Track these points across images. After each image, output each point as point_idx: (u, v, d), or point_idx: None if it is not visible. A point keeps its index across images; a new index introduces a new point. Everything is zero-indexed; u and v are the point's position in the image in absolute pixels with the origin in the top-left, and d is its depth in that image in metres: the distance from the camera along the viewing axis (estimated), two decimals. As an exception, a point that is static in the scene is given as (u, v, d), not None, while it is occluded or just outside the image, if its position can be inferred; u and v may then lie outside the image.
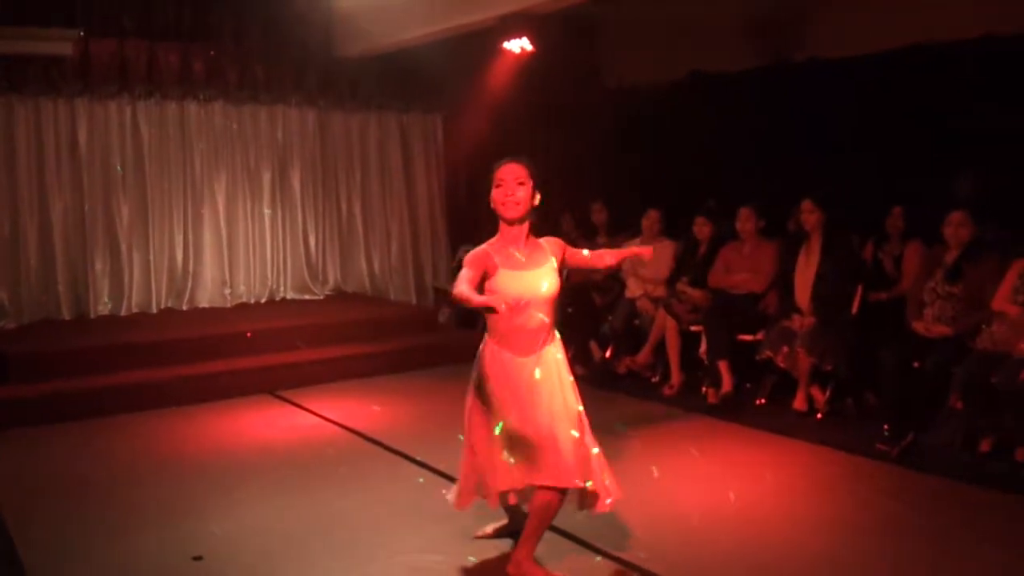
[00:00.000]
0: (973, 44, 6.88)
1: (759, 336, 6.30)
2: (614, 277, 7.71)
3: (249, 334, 7.47)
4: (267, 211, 9.14)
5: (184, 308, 8.71)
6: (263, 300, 9.15)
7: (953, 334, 5.37)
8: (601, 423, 5.96)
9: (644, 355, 7.13)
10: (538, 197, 3.80)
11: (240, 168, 9.02)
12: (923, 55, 7.24)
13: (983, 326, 5.25)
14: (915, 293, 5.69)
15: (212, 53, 8.66)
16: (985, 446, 5.14)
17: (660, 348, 7.03)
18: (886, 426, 5.41)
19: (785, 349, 6.02)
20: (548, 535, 3.93)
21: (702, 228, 7.04)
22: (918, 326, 5.52)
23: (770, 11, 8.23)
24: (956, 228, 5.51)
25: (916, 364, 5.37)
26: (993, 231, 6.10)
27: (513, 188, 3.73)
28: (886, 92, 7.46)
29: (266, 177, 9.15)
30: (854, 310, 6.12)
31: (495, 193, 3.75)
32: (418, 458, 5.36)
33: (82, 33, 7.86)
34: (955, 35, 6.98)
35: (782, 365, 6.10)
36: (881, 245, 6.56)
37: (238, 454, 5.59)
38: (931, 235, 5.84)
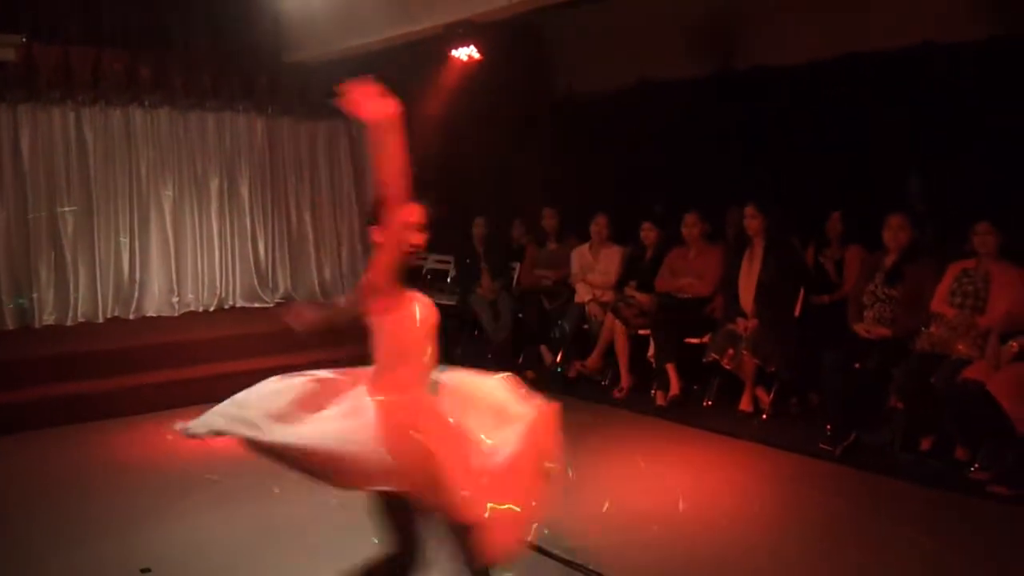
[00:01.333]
0: (912, 50, 7.07)
1: (705, 339, 6.41)
2: (563, 283, 7.79)
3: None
4: (215, 219, 9.05)
5: (131, 317, 8.59)
6: (212, 308, 9.05)
7: (893, 336, 5.51)
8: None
9: (594, 359, 7.20)
10: None
11: (187, 175, 8.93)
12: (861, 62, 7.42)
13: (922, 328, 5.39)
14: (855, 296, 5.83)
15: (158, 59, 8.55)
16: (925, 445, 5.29)
17: (609, 352, 7.11)
18: (828, 426, 5.54)
19: (730, 351, 6.13)
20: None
21: (648, 233, 7.14)
22: (858, 328, 5.66)
23: (715, 20, 8.37)
24: (895, 232, 5.65)
25: (857, 365, 5.50)
26: (931, 234, 6.29)
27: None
28: (825, 99, 7.63)
29: (214, 184, 9.06)
30: (797, 313, 6.26)
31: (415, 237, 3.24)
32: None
33: (24, 39, 7.72)
34: (893, 43, 7.17)
35: (728, 367, 6.21)
36: (822, 249, 6.71)
37: (186, 464, 5.51)
38: (871, 239, 5.99)
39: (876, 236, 5.83)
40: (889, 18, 7.17)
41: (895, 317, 5.57)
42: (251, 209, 9.29)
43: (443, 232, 8.52)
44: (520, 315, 7.93)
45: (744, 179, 7.49)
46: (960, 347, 5.13)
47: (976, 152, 6.72)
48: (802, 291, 6.29)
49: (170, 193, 8.81)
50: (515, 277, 8.40)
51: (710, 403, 6.49)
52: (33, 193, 8.13)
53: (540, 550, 4.09)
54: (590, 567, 3.91)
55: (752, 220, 6.27)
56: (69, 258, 8.29)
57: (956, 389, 4.89)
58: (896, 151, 7.17)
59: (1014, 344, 4.83)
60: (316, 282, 9.74)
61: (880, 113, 7.33)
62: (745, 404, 6.23)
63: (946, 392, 4.96)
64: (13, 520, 4.63)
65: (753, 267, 6.28)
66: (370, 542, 4.22)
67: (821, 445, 5.44)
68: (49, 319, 8.21)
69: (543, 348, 7.69)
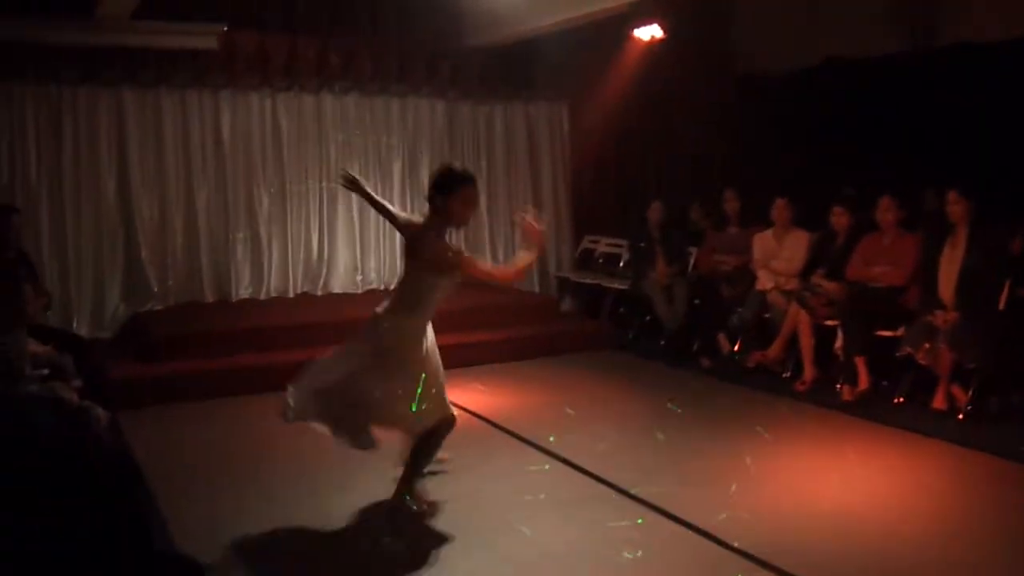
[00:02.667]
0: None
1: (899, 332, 6.06)
2: (744, 269, 7.56)
3: None
4: (396, 201, 9.32)
5: (319, 293, 9.01)
6: (392, 286, 9.34)
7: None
8: (731, 419, 5.95)
9: (775, 349, 6.95)
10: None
11: (372, 158, 9.25)
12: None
13: None
14: (1072, 289, 5.37)
15: (347, 46, 8.88)
16: None
17: (792, 343, 6.85)
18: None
19: (927, 345, 5.76)
20: (686, 533, 4.04)
21: (840, 218, 6.80)
22: (1073, 323, 5.21)
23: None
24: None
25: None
26: None
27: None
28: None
29: (396, 167, 9.35)
30: (1001, 305, 5.81)
31: (465, 211, 4.27)
32: (543, 445, 5.40)
33: (226, 28, 8.19)
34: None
35: (923, 362, 5.85)
36: (1033, 238, 6.20)
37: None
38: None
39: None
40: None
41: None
42: (430, 192, 9.52)
43: (615, 215, 8.55)
44: (696, 301, 7.76)
45: (943, 162, 7.02)
46: None
47: None
48: (1008, 282, 5.83)
49: (356, 175, 9.13)
50: (692, 262, 8.22)
51: (901, 400, 6.13)
52: (232, 173, 8.63)
53: (720, 542, 4.00)
54: (772, 563, 3.77)
55: (955, 206, 5.86)
56: (264, 236, 8.77)
57: None
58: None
59: None
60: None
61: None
62: (939, 402, 5.85)
63: None
64: (209, 482, 4.94)
65: (955, 255, 5.87)
66: (547, 521, 4.28)
67: (1025, 449, 5.05)
68: (245, 293, 8.73)
69: (720, 336, 7.50)
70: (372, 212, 9.11)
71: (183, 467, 5.19)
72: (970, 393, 5.81)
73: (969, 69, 7.46)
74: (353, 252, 9.20)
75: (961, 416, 5.76)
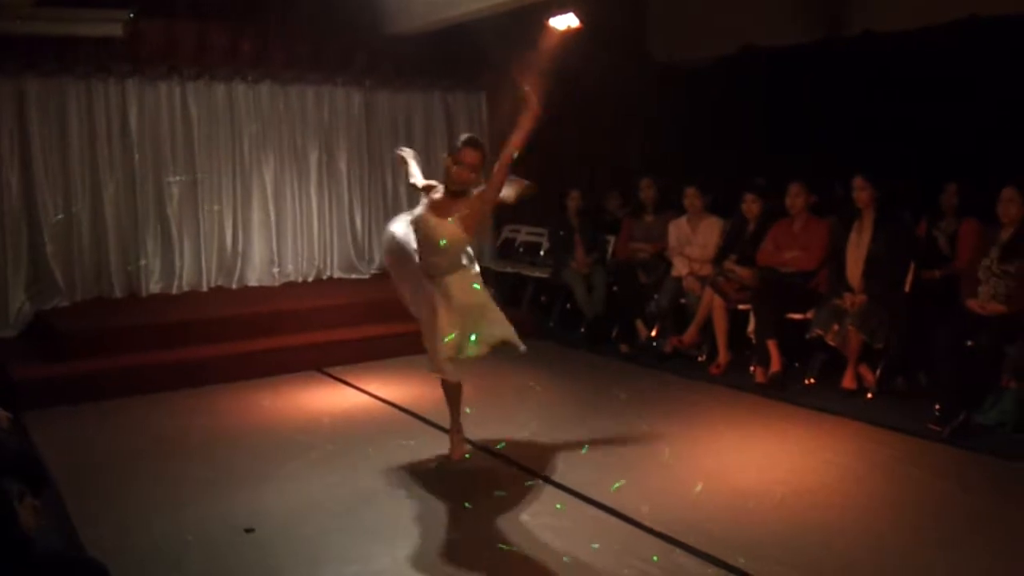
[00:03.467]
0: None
1: (809, 315, 6.22)
2: (660, 256, 7.67)
3: None
4: (313, 192, 9.20)
5: (233, 287, 8.81)
6: (310, 279, 9.22)
7: (1008, 313, 5.25)
8: (648, 403, 6.04)
9: (691, 334, 7.08)
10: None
11: (287, 148, 9.07)
12: (977, 28, 7.06)
13: (1040, 305, 5.13)
14: (969, 271, 5.57)
15: (259, 33, 8.68)
16: (1041, 428, 5.04)
17: (707, 327, 6.97)
18: (937, 406, 5.33)
19: (835, 327, 5.93)
20: (596, 512, 4.02)
21: (751, 205, 6.95)
22: (972, 304, 5.41)
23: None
24: (1006, 205, 5.38)
25: (969, 343, 5.26)
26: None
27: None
28: (939, 66, 7.29)
29: (313, 157, 9.19)
30: (907, 288, 6.02)
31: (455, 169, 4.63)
32: (464, 434, 5.38)
33: (132, 15, 7.93)
34: (1010, 7, 6.80)
35: (832, 343, 6.02)
36: (936, 222, 6.43)
37: (287, 430, 5.65)
38: (989, 212, 5.71)
39: (993, 211, 5.55)
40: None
41: (1010, 293, 5.31)
42: (348, 182, 9.40)
43: (536, 204, 8.57)
44: (615, 288, 7.84)
45: (853, 149, 7.22)
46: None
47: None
48: (913, 265, 6.04)
49: (271, 166, 8.98)
50: (610, 250, 8.30)
51: (812, 381, 6.31)
52: (140, 166, 8.36)
53: (636, 524, 4.05)
54: (686, 543, 3.84)
55: (861, 192, 6.04)
56: (175, 229, 8.53)
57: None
58: (1015, 119, 6.82)
59: None
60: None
61: (996, 80, 6.97)
62: (848, 382, 6.03)
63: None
64: (119, 483, 4.79)
65: (862, 240, 6.05)
66: (460, 507, 4.28)
67: (929, 425, 5.24)
68: (156, 288, 8.48)
69: (638, 322, 7.59)
70: (288, 202, 9.06)
71: (92, 468, 5.02)
72: (877, 373, 6.00)
73: (875, 58, 7.69)
74: (269, 244, 9.01)
75: (869, 395, 5.95)
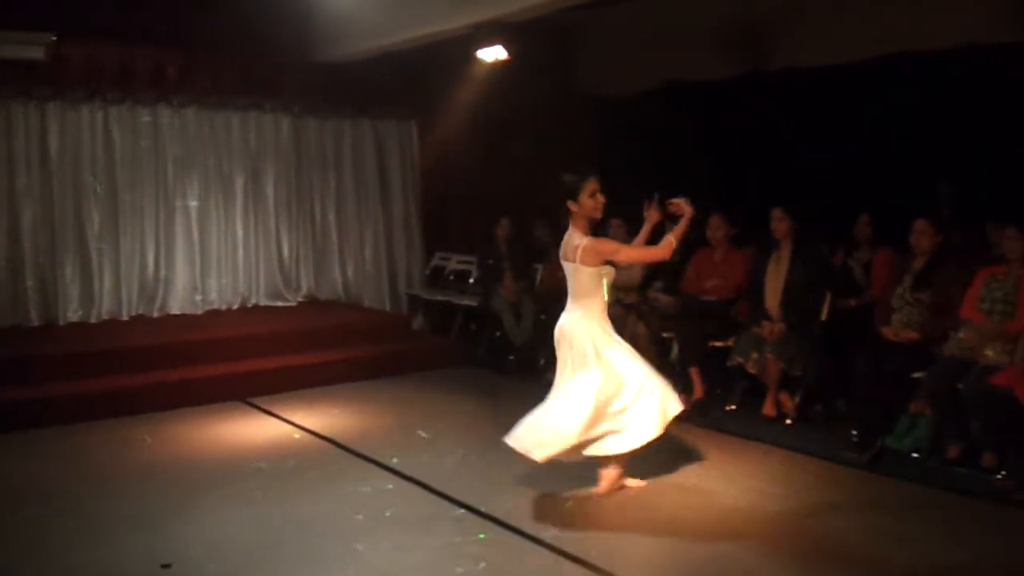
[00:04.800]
0: (945, 53, 6.98)
1: (730, 342, 6.34)
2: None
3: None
4: (239, 218, 9.08)
5: (155, 315, 8.64)
6: (235, 307, 9.08)
7: (920, 340, 5.43)
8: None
9: (617, 362, 7.14)
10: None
11: (213, 174, 8.96)
12: (893, 65, 7.34)
13: (950, 333, 5.32)
14: (883, 300, 5.76)
15: (185, 58, 8.59)
16: (953, 453, 5.19)
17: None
18: (855, 432, 5.47)
19: (755, 355, 6.06)
20: (526, 544, 4.06)
21: None
22: (886, 332, 5.59)
23: (745, 21, 8.31)
24: (919, 236, 5.59)
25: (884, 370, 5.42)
26: (959, 240, 6.20)
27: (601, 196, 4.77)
28: (859, 101, 7.55)
29: (239, 183, 9.10)
30: (823, 317, 6.18)
31: (591, 202, 4.77)
32: (388, 464, 5.35)
33: (54, 38, 7.78)
34: (926, 45, 7.08)
35: (752, 371, 6.14)
36: (851, 253, 6.63)
37: (208, 462, 5.54)
38: (902, 243, 5.90)
39: (907, 240, 5.75)
40: (922, 20, 7.10)
41: (923, 321, 5.50)
42: (276, 208, 9.32)
43: (465, 233, 8.63)
44: (543, 316, 7.89)
45: (772, 182, 7.42)
46: (988, 353, 5.06)
47: (1007, 156, 6.64)
48: (829, 295, 6.21)
49: (196, 191, 8.86)
50: (539, 278, 8.36)
51: (734, 407, 6.42)
52: (60, 191, 8.18)
53: (559, 552, 4.07)
54: (610, 571, 3.87)
55: (780, 223, 6.20)
56: (94, 256, 8.35)
57: (984, 395, 4.80)
58: (928, 154, 7.09)
59: (1045, 350, 4.74)
60: (340, 282, 9.75)
61: (912, 115, 7.25)
62: (768, 409, 6.15)
63: (974, 398, 4.88)
64: (35, 516, 4.64)
65: (780, 270, 6.21)
66: (389, 541, 4.25)
67: (848, 452, 5.37)
68: (74, 316, 8.27)
69: (565, 350, 7.63)
70: (213, 228, 8.92)
71: (4, 502, 4.85)
72: (796, 400, 6.14)
73: (796, 93, 7.93)
74: (192, 271, 8.87)
75: (789, 422, 6.07)
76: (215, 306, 8.98)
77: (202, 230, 8.90)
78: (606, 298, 4.86)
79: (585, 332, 4.72)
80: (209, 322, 8.47)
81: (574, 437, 4.47)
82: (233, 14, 8.60)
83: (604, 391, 4.53)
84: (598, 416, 4.50)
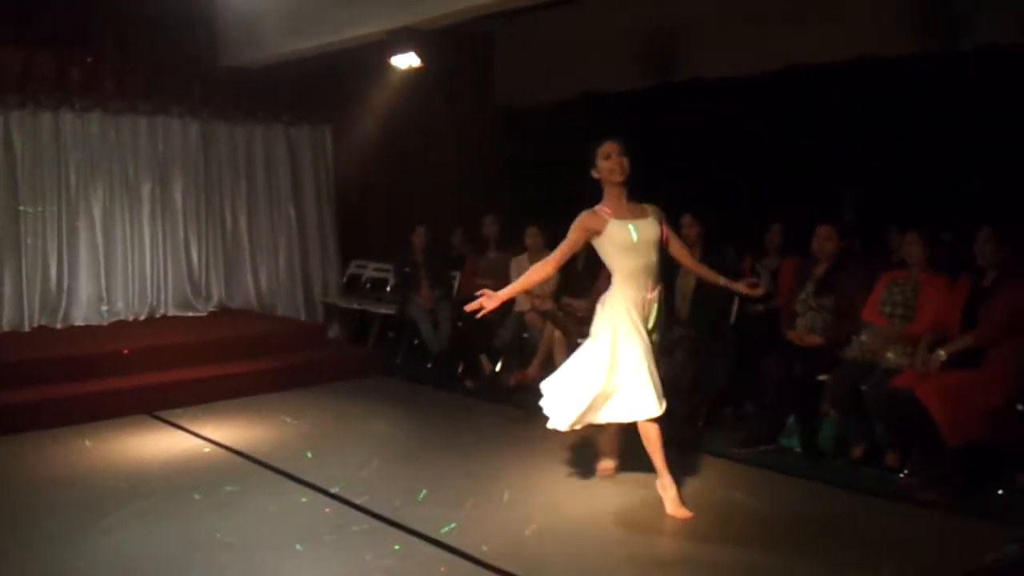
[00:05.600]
0: (848, 65, 7.24)
1: (643, 347, 6.41)
2: (503, 291, 7.76)
3: (126, 351, 7.18)
4: (146, 226, 8.83)
5: (58, 326, 8.34)
6: (142, 317, 8.82)
7: (824, 344, 5.59)
8: (490, 438, 6.08)
9: (534, 368, 7.16)
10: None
11: (119, 180, 8.69)
12: (799, 76, 7.57)
13: (852, 336, 5.49)
14: (788, 305, 5.92)
15: (89, 60, 8.33)
16: (857, 452, 5.36)
17: (549, 361, 7.08)
18: (760, 434, 5.61)
19: (666, 359, 6.15)
20: (443, 555, 4.00)
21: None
22: (792, 336, 5.74)
23: (656, 33, 8.47)
24: (823, 242, 5.75)
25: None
26: (862, 245, 6.42)
27: (619, 159, 4.63)
28: (769, 113, 7.76)
29: (146, 190, 8.84)
30: (732, 320, 6.31)
31: (606, 164, 4.66)
32: (301, 477, 5.26)
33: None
34: (830, 57, 7.33)
35: (662, 375, 6.21)
36: (759, 259, 6.79)
37: (114, 478, 5.36)
38: (809, 251, 6.06)
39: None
40: (825, 33, 7.34)
41: (826, 326, 5.66)
42: (184, 215, 9.08)
43: (383, 240, 8.59)
44: (460, 324, 7.88)
45: (685, 189, 7.55)
46: (889, 355, 5.24)
47: (908, 164, 6.91)
48: (737, 300, 6.35)
49: (100, 198, 8.58)
50: (455, 286, 8.35)
51: (648, 411, 6.49)
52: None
53: (476, 562, 4.06)
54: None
55: (690, 229, 6.31)
56: (-8, 266, 8.04)
57: (886, 397, 4.97)
58: (832, 162, 7.33)
59: (942, 353, 4.92)
60: (252, 291, 9.55)
61: (816, 125, 7.48)
62: (680, 411, 6.24)
63: (876, 400, 5.05)
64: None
65: (689, 275, 6.31)
66: (302, 556, 4.18)
67: (734, 448, 5.58)
68: (-29, 328, 7.95)
69: (483, 358, 7.65)
70: (119, 236, 8.65)
71: None
72: (708, 403, 6.24)
73: (704, 102, 8.11)
74: (98, 281, 8.58)
75: (701, 424, 6.18)
76: (121, 316, 8.70)
77: (107, 238, 8.62)
78: (627, 277, 4.62)
79: (600, 307, 4.69)
80: (115, 333, 8.21)
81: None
82: (140, 17, 8.40)
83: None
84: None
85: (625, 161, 4.62)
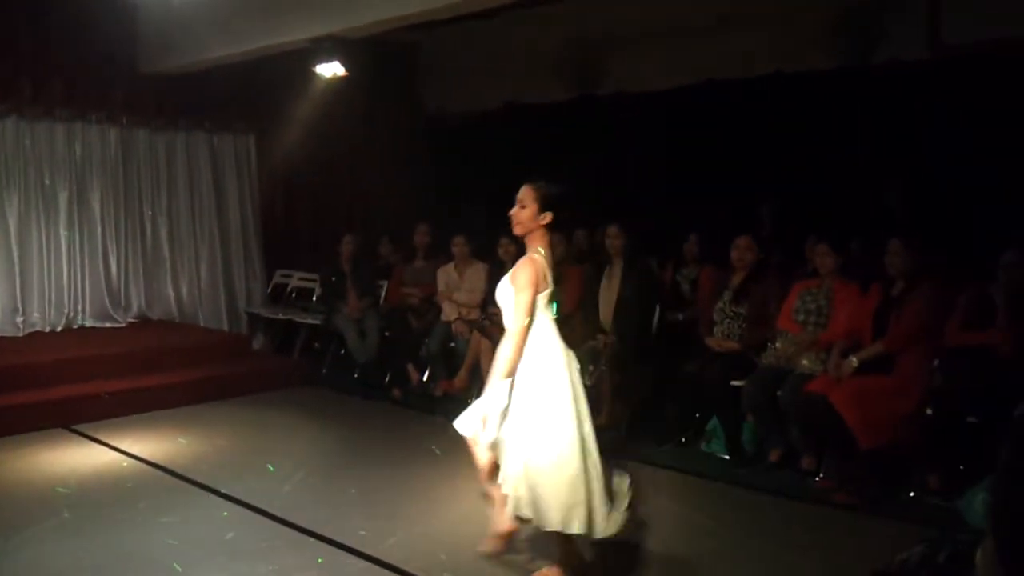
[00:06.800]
0: (764, 80, 7.45)
1: (567, 355, 6.49)
2: (430, 301, 7.78)
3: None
4: (64, 232, 8.59)
5: (-30, 337, 8.07)
6: (59, 328, 8.57)
7: (741, 350, 5.75)
8: (418, 448, 6.07)
9: (461, 378, 7.19)
10: (546, 217, 3.94)
11: (34, 188, 8.43)
12: (717, 90, 7.76)
13: (768, 343, 5.65)
14: (706, 312, 6.07)
15: (5, 66, 8.08)
16: (774, 456, 5.52)
17: (476, 370, 7.11)
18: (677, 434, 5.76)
19: (591, 368, 6.24)
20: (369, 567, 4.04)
21: (507, 248, 7.21)
22: (711, 342, 5.89)
23: (578, 47, 8.60)
24: (742, 252, 5.92)
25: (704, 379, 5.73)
26: (777, 256, 6.61)
27: (516, 208, 4.00)
28: (683, 124, 7.94)
29: (63, 197, 8.58)
30: (653, 330, 6.44)
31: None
32: (223, 491, 5.19)
33: None
34: (747, 71, 7.54)
35: (588, 383, 6.29)
36: (679, 269, 6.94)
37: (27, 493, 5.22)
38: (726, 260, 6.22)
39: (729, 257, 6.07)
40: (743, 48, 7.54)
41: (742, 333, 5.82)
42: (103, 223, 8.85)
43: (308, 250, 8.55)
44: (387, 334, 7.86)
45: (608, 200, 7.68)
46: (804, 362, 5.41)
47: (822, 175, 7.14)
48: (658, 309, 6.47)
49: (15, 206, 8.32)
50: (382, 295, 8.33)
51: (572, 419, 6.57)
52: None
53: (401, 573, 4.06)
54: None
55: (615, 240, 6.43)
56: (-101, 275, 7.74)
57: (801, 401, 5.14)
58: (750, 173, 7.53)
59: (854, 359, 5.11)
60: (173, 300, 9.36)
61: (734, 138, 7.68)
62: (604, 419, 6.31)
63: (791, 405, 5.21)
64: None
65: (612, 285, 6.43)
66: (223, 571, 4.12)
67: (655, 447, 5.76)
68: None
69: (410, 367, 7.65)
70: (35, 245, 8.40)
71: None
72: (629, 410, 6.35)
73: (627, 114, 8.26)
74: (13, 290, 8.31)
75: (622, 432, 6.27)
76: (37, 328, 8.44)
77: (22, 247, 8.35)
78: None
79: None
80: (31, 345, 7.97)
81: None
82: (59, 21, 8.19)
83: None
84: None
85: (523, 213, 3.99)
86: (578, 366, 4.02)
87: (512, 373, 3.80)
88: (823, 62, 7.23)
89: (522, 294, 3.87)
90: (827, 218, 6.74)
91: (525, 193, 4.01)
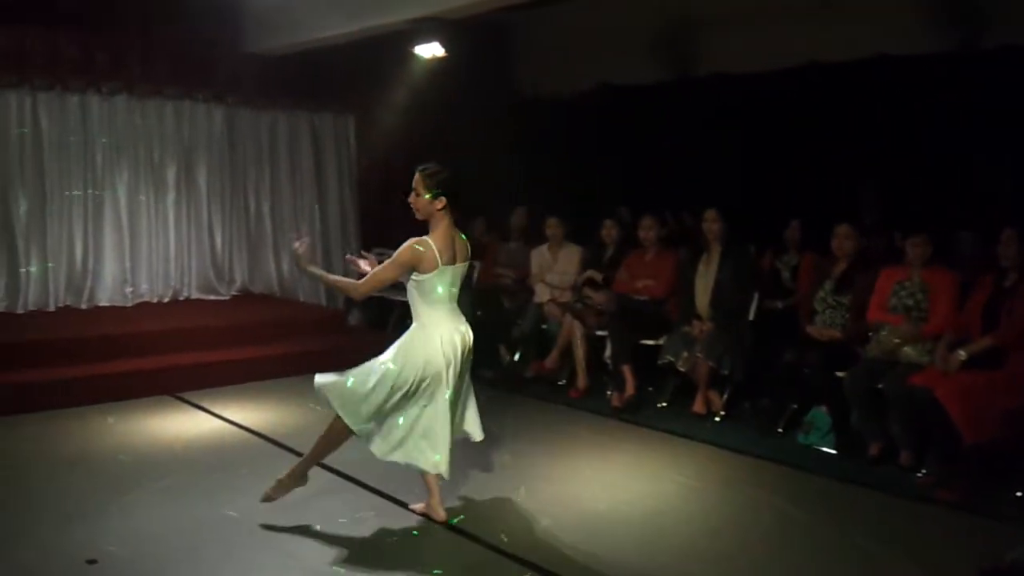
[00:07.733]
0: (867, 62, 7.20)
1: (661, 341, 6.45)
2: (523, 282, 7.80)
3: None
4: (171, 209, 8.91)
5: (83, 307, 8.45)
6: (166, 300, 8.92)
7: (843, 339, 5.60)
8: (509, 426, 6.11)
9: (552, 359, 7.20)
10: (440, 201, 4.18)
11: (144, 164, 8.78)
12: (820, 73, 7.54)
13: (871, 334, 5.49)
14: (807, 301, 5.94)
15: (116, 44, 8.40)
16: (874, 450, 5.37)
17: (568, 352, 7.12)
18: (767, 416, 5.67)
19: (685, 354, 6.19)
20: (460, 540, 4.08)
21: (609, 231, 7.19)
22: (811, 330, 5.76)
23: (677, 27, 8.45)
24: (841, 240, 5.77)
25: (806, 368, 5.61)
26: (880, 244, 6.41)
27: (412, 196, 4.25)
28: (789, 109, 7.74)
29: (171, 174, 8.93)
30: (751, 317, 6.33)
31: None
32: (326, 463, 5.31)
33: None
34: (850, 54, 7.30)
35: (682, 369, 6.26)
36: (779, 256, 6.79)
37: (136, 457, 5.45)
38: (828, 247, 6.06)
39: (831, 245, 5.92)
40: (846, 30, 7.30)
41: (844, 323, 5.67)
42: (208, 200, 9.17)
43: (403, 229, 8.53)
44: (479, 313, 7.90)
45: (703, 184, 7.56)
46: (909, 352, 5.23)
47: (928, 162, 6.88)
48: (756, 296, 6.36)
49: (126, 181, 8.67)
50: (475, 275, 8.38)
51: (665, 404, 6.54)
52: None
53: (493, 548, 4.11)
54: (545, 567, 3.91)
55: (713, 224, 6.33)
56: (21, 245, 8.13)
57: (904, 394, 4.98)
58: (853, 161, 7.30)
59: (963, 353, 4.93)
60: (274, 276, 9.64)
61: (836, 123, 7.46)
62: (698, 406, 6.28)
63: (894, 397, 5.06)
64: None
65: (709, 271, 6.34)
66: (320, 538, 4.24)
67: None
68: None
69: (502, 347, 7.69)
70: (144, 219, 8.74)
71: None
72: (725, 397, 6.27)
73: (725, 98, 8.09)
74: (122, 262, 8.68)
75: (718, 419, 6.21)
76: (145, 298, 8.81)
77: (132, 221, 8.72)
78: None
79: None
80: (138, 315, 8.31)
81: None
82: (165, 1, 8.45)
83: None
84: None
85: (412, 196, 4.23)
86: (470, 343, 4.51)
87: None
88: (930, 45, 6.95)
89: (384, 269, 4.22)
90: (929, 206, 6.51)
91: (416, 180, 4.19)
